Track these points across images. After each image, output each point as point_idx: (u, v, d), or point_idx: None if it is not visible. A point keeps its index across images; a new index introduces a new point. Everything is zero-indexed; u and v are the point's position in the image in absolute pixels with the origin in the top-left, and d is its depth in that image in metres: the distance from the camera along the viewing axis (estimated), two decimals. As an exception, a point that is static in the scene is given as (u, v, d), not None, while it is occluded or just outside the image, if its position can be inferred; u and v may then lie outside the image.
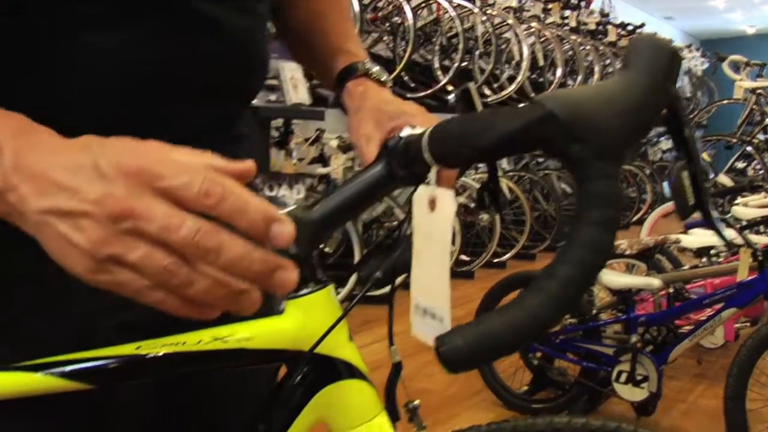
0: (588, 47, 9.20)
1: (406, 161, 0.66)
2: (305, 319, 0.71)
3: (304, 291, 0.70)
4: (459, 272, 5.92)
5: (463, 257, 6.07)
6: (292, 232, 0.55)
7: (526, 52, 7.38)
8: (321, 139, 5.27)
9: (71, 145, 0.55)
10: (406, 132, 0.68)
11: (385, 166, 0.69)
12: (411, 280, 0.67)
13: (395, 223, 2.97)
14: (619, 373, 2.97)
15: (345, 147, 5.05)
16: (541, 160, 7.92)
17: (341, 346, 0.72)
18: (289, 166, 4.71)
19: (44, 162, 0.54)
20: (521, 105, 0.56)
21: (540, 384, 3.33)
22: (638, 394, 2.95)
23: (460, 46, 6.65)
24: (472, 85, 0.66)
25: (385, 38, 6.73)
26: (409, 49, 6.33)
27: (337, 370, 0.72)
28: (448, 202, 0.62)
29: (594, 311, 3.16)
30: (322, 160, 5.27)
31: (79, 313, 0.76)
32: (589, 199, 0.54)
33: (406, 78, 6.67)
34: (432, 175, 0.63)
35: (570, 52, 8.76)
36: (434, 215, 0.63)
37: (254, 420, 0.75)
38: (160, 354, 0.69)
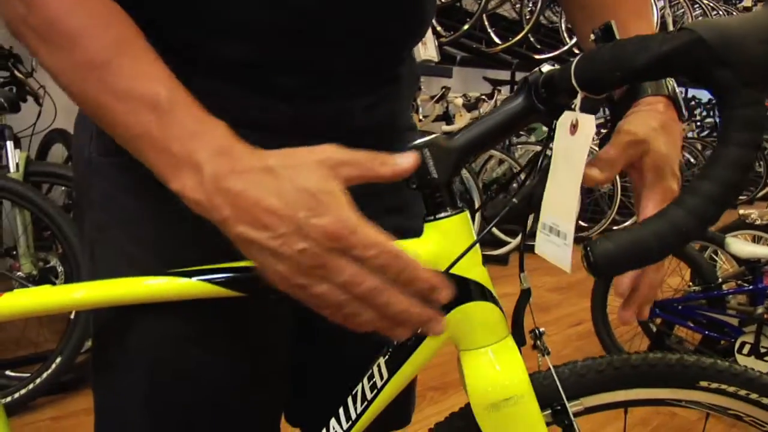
0: (721, 12, 8.78)
1: (548, 94, 0.70)
2: (442, 241, 0.75)
3: (443, 214, 0.74)
4: (576, 237, 5.83)
5: (582, 223, 5.98)
6: (449, 295, 0.68)
7: (656, 15, 7.13)
8: (446, 96, 5.28)
9: (266, 169, 0.64)
10: (546, 68, 0.72)
11: (525, 99, 0.72)
12: (543, 201, 0.71)
13: (515, 185, 2.96)
14: (743, 344, 2.89)
15: (470, 105, 5.05)
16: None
17: (474, 269, 0.76)
18: (415, 122, 4.75)
19: (243, 188, 0.64)
20: (671, 31, 0.59)
21: (658, 351, 3.27)
22: (761, 367, 2.87)
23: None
24: (614, 23, 0.68)
25: (512, -1, 6.65)
26: (536, 11, 6.23)
27: (469, 290, 0.76)
28: (589, 124, 0.65)
29: (719, 280, 3.08)
30: (447, 117, 5.29)
31: (186, 258, 0.80)
32: (734, 123, 0.57)
33: (532, 39, 6.57)
34: (577, 101, 0.66)
35: (701, 18, 8.37)
36: (575, 138, 0.66)
37: (386, 338, 0.79)
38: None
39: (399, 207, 0.94)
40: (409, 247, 0.76)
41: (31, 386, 2.53)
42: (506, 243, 5.10)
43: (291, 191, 0.63)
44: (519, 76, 6.47)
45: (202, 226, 0.81)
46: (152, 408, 0.84)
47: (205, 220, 0.80)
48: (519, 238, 4.98)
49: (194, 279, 0.76)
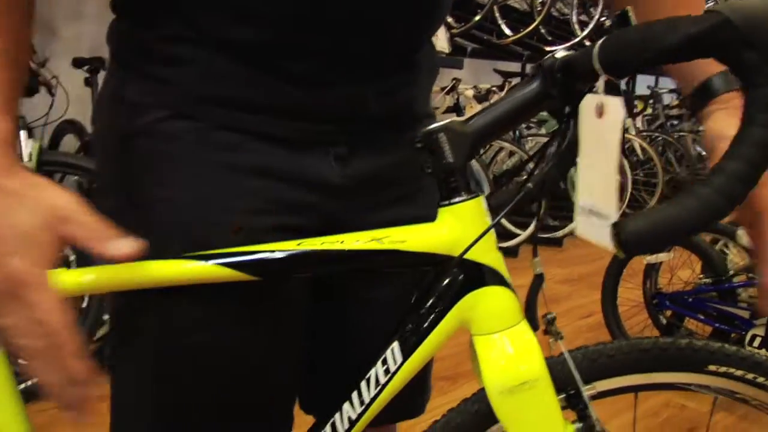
0: None
1: (564, 79, 0.70)
2: (457, 226, 0.75)
3: (458, 199, 0.75)
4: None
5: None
6: (92, 393, 0.70)
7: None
8: (457, 88, 5.27)
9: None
10: (560, 53, 0.72)
11: (539, 85, 0.73)
12: (577, 184, 0.71)
13: (524, 177, 2.97)
14: (753, 336, 2.89)
15: (480, 97, 5.04)
16: (675, 122, 7.63)
17: (489, 254, 0.76)
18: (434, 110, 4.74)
19: None
20: (698, 15, 0.60)
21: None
22: (771, 359, 2.86)
23: (600, 1, 6.46)
24: (630, 8, 0.68)
25: (523, -10, 6.63)
26: (548, 3, 6.21)
27: (483, 276, 0.76)
28: (616, 108, 0.65)
29: (730, 273, 3.07)
30: (457, 109, 5.28)
31: (241, 209, 0.82)
32: (759, 104, 0.57)
33: (543, 31, 6.55)
34: (600, 83, 0.66)
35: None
36: (603, 121, 0.67)
37: (400, 323, 0.80)
38: (320, 250, 0.76)
39: (412, 195, 0.94)
40: (423, 231, 0.77)
41: (43, 374, 2.54)
42: (516, 235, 5.10)
43: (5, 224, 0.66)
44: (530, 68, 6.46)
45: (222, 208, 0.82)
46: (164, 391, 0.85)
47: (223, 201, 0.81)
48: (529, 229, 4.97)
49: (210, 263, 0.76)
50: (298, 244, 0.77)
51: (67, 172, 2.90)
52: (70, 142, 3.77)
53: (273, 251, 0.77)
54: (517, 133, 5.58)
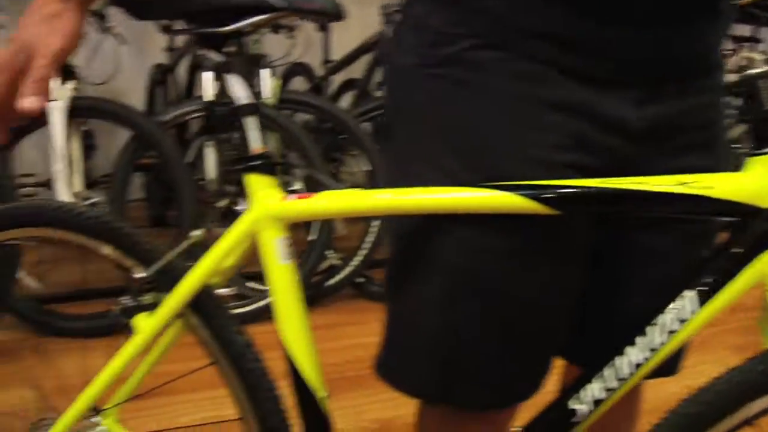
0: None
1: None
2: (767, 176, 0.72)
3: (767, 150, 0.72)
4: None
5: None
6: None
7: None
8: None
9: None
10: None
11: None
12: None
13: None
14: None
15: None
16: None
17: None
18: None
19: None
20: None
21: None
22: None
23: None
24: None
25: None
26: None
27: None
28: None
29: None
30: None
31: (540, 142, 0.83)
32: None
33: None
34: None
35: None
36: None
37: (696, 272, 0.78)
38: (626, 189, 0.76)
39: (704, 145, 0.91)
40: (732, 179, 0.74)
41: (269, 299, 2.70)
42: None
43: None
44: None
45: (521, 140, 0.83)
46: (446, 318, 0.88)
47: (526, 136, 0.82)
48: None
49: (509, 193, 0.78)
50: (601, 182, 0.77)
51: (299, 110, 3.04)
52: (298, 84, 3.94)
53: (577, 187, 0.78)
54: None
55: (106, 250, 1.02)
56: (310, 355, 0.93)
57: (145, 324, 0.97)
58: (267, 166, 0.93)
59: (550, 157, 0.83)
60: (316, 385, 0.94)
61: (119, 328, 2.56)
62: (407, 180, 0.87)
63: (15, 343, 2.53)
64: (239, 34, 0.78)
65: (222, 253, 0.94)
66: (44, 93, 0.86)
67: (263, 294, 2.73)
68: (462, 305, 0.87)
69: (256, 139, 0.90)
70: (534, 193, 0.78)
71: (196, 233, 1.01)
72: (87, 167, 2.89)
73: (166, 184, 3.24)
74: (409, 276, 0.90)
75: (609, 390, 0.83)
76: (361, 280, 2.91)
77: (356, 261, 2.82)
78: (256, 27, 0.78)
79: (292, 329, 0.93)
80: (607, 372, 0.83)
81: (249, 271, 3.07)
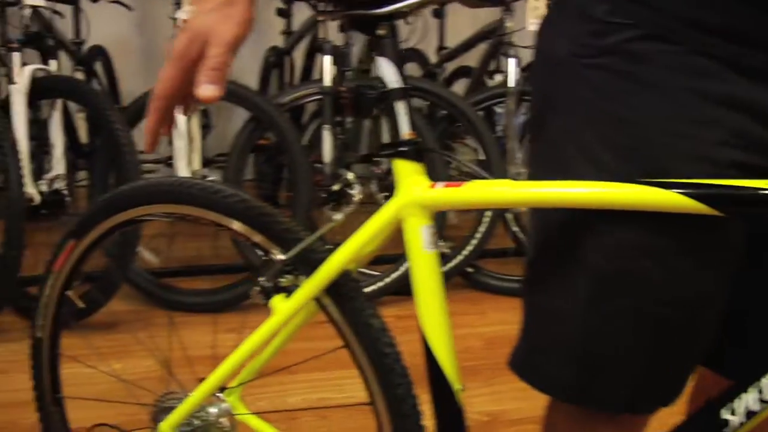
0: None
1: None
2: None
3: None
4: None
5: None
6: None
7: None
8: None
9: None
10: None
11: None
12: None
13: None
14: None
15: None
16: None
17: None
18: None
19: None
20: None
21: None
22: None
23: None
24: None
25: None
26: None
27: None
28: None
29: None
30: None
31: (706, 138, 0.78)
32: None
33: None
34: None
35: None
36: None
37: None
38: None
39: None
40: None
41: (380, 284, 2.72)
42: None
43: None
44: None
45: (685, 135, 0.79)
46: (591, 317, 0.85)
47: (686, 127, 0.78)
48: None
49: (671, 190, 0.74)
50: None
51: (414, 95, 3.02)
52: (411, 70, 3.92)
53: (743, 187, 0.73)
54: None
55: (240, 228, 1.01)
56: (449, 347, 0.92)
57: (282, 306, 0.97)
58: (416, 152, 0.92)
59: (714, 154, 0.78)
60: (453, 377, 0.92)
61: (232, 305, 2.62)
62: (559, 172, 0.84)
63: (132, 314, 2.61)
64: (392, 16, 0.78)
65: (366, 238, 0.93)
66: (220, 81, 0.86)
67: (373, 279, 2.74)
68: (610, 305, 0.84)
69: (405, 124, 0.89)
70: (698, 192, 0.73)
71: (337, 217, 1.00)
72: (203, 146, 2.96)
73: (278, 166, 3.28)
74: (553, 272, 0.87)
75: (765, 402, 0.78)
76: (471, 270, 2.88)
77: (467, 250, 2.79)
78: (412, 9, 0.77)
79: (432, 319, 0.91)
80: (765, 382, 0.78)
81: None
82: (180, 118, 2.61)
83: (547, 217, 0.89)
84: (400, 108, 0.93)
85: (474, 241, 2.77)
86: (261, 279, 0.98)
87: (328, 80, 2.75)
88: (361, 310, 0.97)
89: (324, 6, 0.88)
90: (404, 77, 0.93)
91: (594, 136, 0.82)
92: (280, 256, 0.97)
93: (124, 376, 2.12)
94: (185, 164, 2.65)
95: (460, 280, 2.89)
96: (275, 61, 3.81)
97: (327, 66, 2.76)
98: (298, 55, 3.71)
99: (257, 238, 1.00)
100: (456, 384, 0.92)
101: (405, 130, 0.92)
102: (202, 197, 1.04)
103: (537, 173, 0.90)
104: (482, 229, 2.76)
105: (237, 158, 2.77)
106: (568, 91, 0.85)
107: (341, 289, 0.96)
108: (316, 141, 2.83)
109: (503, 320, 2.65)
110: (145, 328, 2.51)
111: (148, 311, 2.64)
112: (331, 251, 0.96)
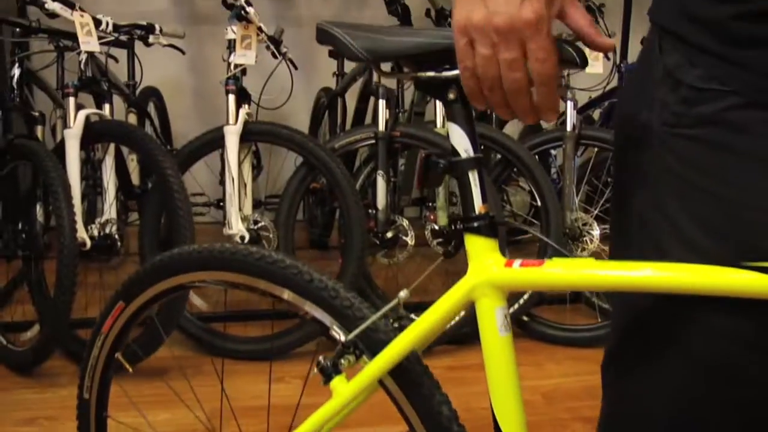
0: None
1: None
2: None
3: None
4: None
5: None
6: None
7: None
8: None
9: None
10: None
11: None
12: None
13: None
14: None
15: None
16: None
17: None
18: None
19: None
20: None
21: None
22: None
23: None
24: None
25: None
26: None
27: None
28: None
29: None
30: None
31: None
32: None
33: None
34: None
35: None
36: None
37: None
38: None
39: None
40: None
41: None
42: None
43: None
44: None
45: None
46: (682, 407, 0.78)
47: None
48: None
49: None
50: None
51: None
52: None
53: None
54: None
55: (296, 299, 0.96)
56: None
57: (343, 388, 0.90)
58: (489, 227, 0.86)
59: None
60: None
61: (283, 352, 2.57)
62: (647, 250, 0.77)
63: (180, 361, 2.57)
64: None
65: (435, 319, 0.87)
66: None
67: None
68: (705, 397, 0.77)
69: (478, 197, 0.82)
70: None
71: (402, 294, 0.93)
72: (253, 188, 2.94)
73: (329, 209, 3.25)
74: (641, 359, 0.80)
75: None
76: (527, 318, 2.79)
77: (523, 299, 2.70)
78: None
79: (505, 405, 0.84)
80: None
81: (411, 301, 3.02)
82: (232, 161, 2.59)
83: (632, 296, 0.81)
84: (473, 179, 0.87)
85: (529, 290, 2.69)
86: (320, 360, 0.92)
87: (381, 125, 2.71)
88: (429, 396, 0.90)
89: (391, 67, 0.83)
90: (477, 145, 0.86)
91: (686, 214, 0.75)
92: (342, 337, 0.91)
93: (171, 427, 2.09)
94: (236, 209, 2.63)
95: (515, 329, 2.80)
96: (327, 102, 3.79)
97: (381, 110, 2.72)
98: (350, 97, 3.68)
99: (317, 313, 0.95)
100: None
101: (478, 204, 0.87)
102: (256, 266, 0.98)
103: (621, 248, 0.83)
104: (538, 277, 2.68)
105: (289, 202, 2.73)
106: (659, 163, 0.78)
107: (408, 373, 0.90)
108: (369, 186, 2.79)
109: (561, 372, 2.56)
110: (194, 375, 2.47)
111: (197, 358, 2.60)
112: (396, 331, 0.89)
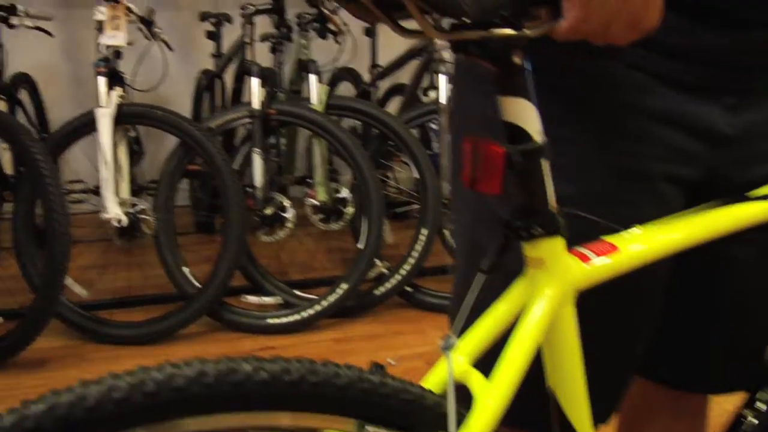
0: None
1: None
2: None
3: None
4: None
5: None
6: None
7: None
8: None
9: None
10: None
11: None
12: None
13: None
14: None
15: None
16: None
17: None
18: None
19: None
20: None
21: None
22: None
23: None
24: None
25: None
26: None
27: None
28: None
29: None
30: None
31: (642, 153, 0.80)
32: None
33: None
34: None
35: None
36: None
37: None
38: None
39: None
40: None
41: (317, 307, 2.68)
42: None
43: None
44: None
45: (622, 152, 0.80)
46: None
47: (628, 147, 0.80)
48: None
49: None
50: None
51: (347, 115, 3.01)
52: (345, 90, 3.90)
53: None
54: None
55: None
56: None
57: None
58: (557, 224, 0.71)
59: (652, 168, 0.81)
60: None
61: (166, 336, 2.55)
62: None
63: (62, 350, 2.53)
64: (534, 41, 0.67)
65: (531, 347, 0.71)
66: None
67: (310, 303, 2.70)
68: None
69: (552, 191, 0.69)
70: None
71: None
72: (134, 173, 2.90)
73: (212, 191, 3.23)
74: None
75: None
76: (410, 289, 2.86)
77: (404, 270, 2.76)
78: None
79: (575, 394, 0.78)
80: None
81: (295, 279, 3.05)
82: (105, 144, 2.55)
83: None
84: (546, 169, 0.69)
85: (411, 260, 2.75)
86: None
87: (256, 103, 2.72)
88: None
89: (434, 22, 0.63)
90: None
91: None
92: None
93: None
94: (112, 193, 2.58)
95: (398, 299, 2.86)
96: (206, 84, 3.76)
97: (255, 88, 2.73)
98: (229, 78, 3.66)
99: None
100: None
101: (551, 199, 0.70)
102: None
103: None
104: (419, 247, 2.74)
105: (167, 185, 2.71)
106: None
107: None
108: (248, 165, 2.79)
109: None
110: (78, 364, 2.43)
111: (79, 346, 2.56)
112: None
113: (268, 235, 2.77)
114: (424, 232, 2.75)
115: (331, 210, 2.88)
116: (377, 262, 2.79)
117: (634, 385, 1.13)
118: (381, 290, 2.79)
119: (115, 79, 2.65)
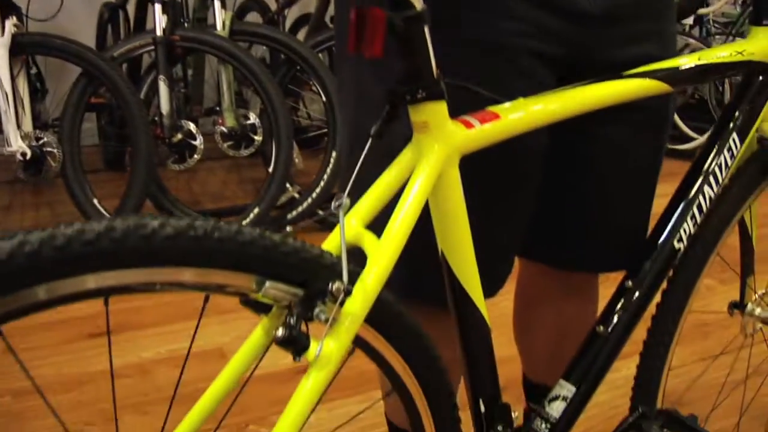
0: None
1: None
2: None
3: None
4: None
5: None
6: None
7: None
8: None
9: None
10: None
11: None
12: None
13: None
14: None
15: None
16: None
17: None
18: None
19: None
20: None
21: None
22: None
23: None
24: None
25: None
26: None
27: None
28: None
29: None
30: None
31: (509, 30, 0.84)
32: None
33: None
34: None
35: None
36: None
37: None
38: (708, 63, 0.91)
39: (656, 34, 0.93)
40: (757, 46, 0.94)
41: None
42: (692, 139, 4.77)
43: None
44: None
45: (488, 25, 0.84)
46: None
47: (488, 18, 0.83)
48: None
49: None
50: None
51: (254, 41, 2.99)
52: (253, 19, 3.85)
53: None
54: None
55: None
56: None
57: (328, 350, 0.69)
58: (440, 89, 0.74)
59: (517, 44, 0.84)
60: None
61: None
62: None
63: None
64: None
65: (412, 216, 0.75)
66: None
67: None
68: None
69: (433, 57, 0.72)
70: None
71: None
72: (38, 111, 2.82)
73: (119, 122, 3.17)
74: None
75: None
76: (322, 212, 2.90)
77: (316, 193, 2.80)
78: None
79: (461, 252, 0.82)
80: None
81: (207, 208, 3.04)
82: (2, 75, 2.48)
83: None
84: (427, 35, 0.71)
85: (322, 183, 2.78)
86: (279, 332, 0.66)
87: (159, 30, 2.68)
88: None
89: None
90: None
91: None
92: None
93: None
94: (13, 125, 2.52)
95: (313, 225, 2.90)
96: (109, 16, 3.65)
97: (157, 15, 2.68)
98: (132, 8, 3.57)
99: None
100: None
101: (434, 65, 0.73)
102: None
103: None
104: (329, 170, 2.78)
105: (71, 116, 2.65)
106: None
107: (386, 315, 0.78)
108: (155, 94, 2.75)
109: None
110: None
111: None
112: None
113: (178, 164, 2.75)
114: (334, 155, 2.78)
115: (240, 136, 2.87)
116: (288, 186, 2.82)
117: (524, 270, 1.19)
118: (293, 214, 2.82)
119: (9, 9, 2.57)
